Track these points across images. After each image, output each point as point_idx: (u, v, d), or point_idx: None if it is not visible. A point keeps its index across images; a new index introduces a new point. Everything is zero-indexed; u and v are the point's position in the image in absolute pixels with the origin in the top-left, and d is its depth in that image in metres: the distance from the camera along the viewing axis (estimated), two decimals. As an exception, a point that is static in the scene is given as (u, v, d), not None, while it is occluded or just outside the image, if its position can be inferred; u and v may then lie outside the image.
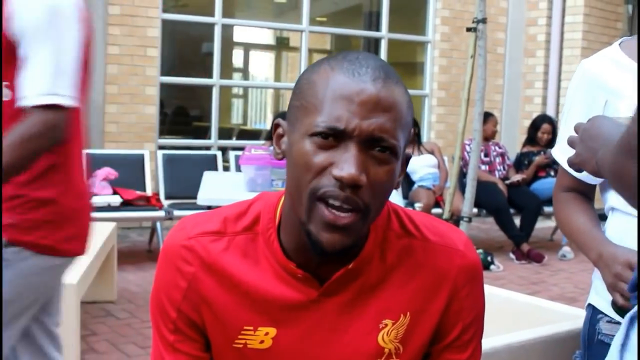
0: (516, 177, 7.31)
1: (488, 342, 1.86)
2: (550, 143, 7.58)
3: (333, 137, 1.09)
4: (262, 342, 1.22)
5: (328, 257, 1.16)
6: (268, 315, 1.21)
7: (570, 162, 1.36)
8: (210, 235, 1.24)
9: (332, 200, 1.08)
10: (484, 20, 4.13)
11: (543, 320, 2.23)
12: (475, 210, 7.02)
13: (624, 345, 1.12)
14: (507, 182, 7.26)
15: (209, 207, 4.70)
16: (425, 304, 1.23)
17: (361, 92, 1.09)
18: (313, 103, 1.11)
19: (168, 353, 1.26)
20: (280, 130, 1.20)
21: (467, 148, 6.83)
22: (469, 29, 3.97)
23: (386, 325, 1.22)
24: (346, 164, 1.07)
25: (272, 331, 1.22)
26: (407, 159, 1.21)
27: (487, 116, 7.13)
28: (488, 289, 2.58)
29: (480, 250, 6.51)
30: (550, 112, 8.76)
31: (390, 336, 1.23)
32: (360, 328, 1.22)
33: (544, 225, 8.09)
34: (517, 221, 7.08)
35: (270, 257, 1.22)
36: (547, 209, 7.26)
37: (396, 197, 6.98)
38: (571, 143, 1.36)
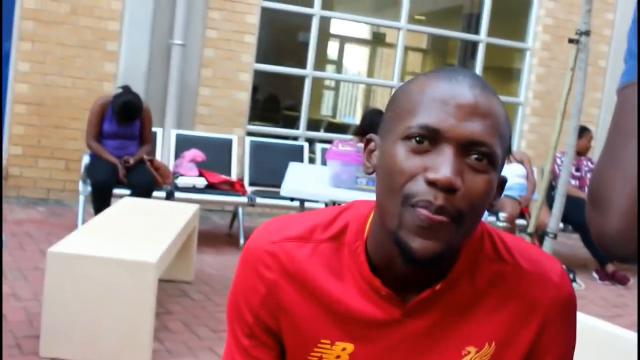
0: None
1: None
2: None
3: (428, 141, 1.04)
4: (338, 357, 1.18)
5: (417, 272, 1.11)
6: (347, 331, 1.17)
7: None
8: (295, 240, 1.20)
9: (423, 210, 1.02)
10: (587, 33, 4.00)
11: (625, 352, 2.13)
12: (561, 225, 6.85)
13: None
14: None
15: (292, 199, 4.71)
16: (512, 334, 1.17)
17: (458, 96, 1.05)
18: (407, 109, 1.08)
19: (242, 357, 1.24)
20: (372, 145, 1.16)
21: (558, 161, 6.66)
22: (570, 41, 3.84)
23: (469, 352, 1.16)
24: (442, 166, 1.02)
25: (350, 347, 1.17)
26: (503, 182, 1.14)
27: (583, 131, 6.92)
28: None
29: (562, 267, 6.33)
30: (649, 131, 8.46)
31: None
32: (442, 353, 1.16)
33: (631, 247, 7.82)
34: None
35: (355, 270, 1.17)
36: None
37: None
38: None
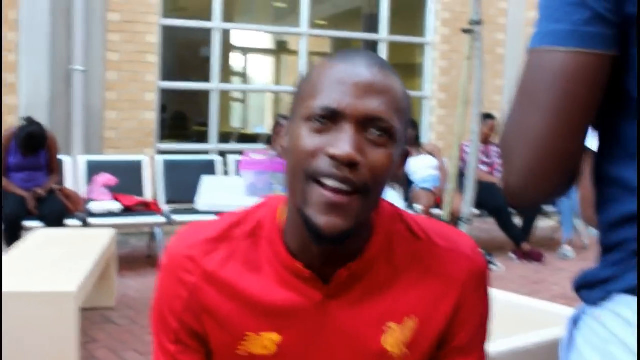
0: None
1: (492, 347, 1.84)
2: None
3: (329, 121, 1.09)
4: (265, 347, 1.21)
5: (333, 252, 1.15)
6: (271, 321, 1.20)
7: None
8: (212, 243, 1.22)
9: (328, 180, 1.07)
10: (479, 22, 4.12)
11: (545, 323, 2.21)
12: (476, 210, 7.02)
13: (569, 345, 1.13)
14: None
15: (208, 213, 4.69)
16: (432, 308, 1.22)
17: (355, 76, 1.10)
18: (309, 91, 1.13)
19: None
20: (282, 130, 1.21)
21: (467, 149, 6.82)
22: (465, 31, 3.96)
23: (390, 328, 1.20)
24: (341, 142, 1.07)
25: (276, 337, 1.20)
26: (406, 154, 1.20)
27: (486, 118, 7.12)
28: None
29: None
30: (551, 112, 8.71)
31: (396, 339, 1.21)
32: (365, 330, 1.20)
33: (544, 225, 8.08)
34: (517, 221, 7.07)
35: (274, 260, 1.20)
36: (547, 208, 7.26)
37: (397, 199, 6.97)
38: None
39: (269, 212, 1.23)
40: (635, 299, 1.00)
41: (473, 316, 1.24)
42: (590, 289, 1.08)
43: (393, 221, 1.23)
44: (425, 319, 1.21)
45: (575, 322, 1.12)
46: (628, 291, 1.01)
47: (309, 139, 1.09)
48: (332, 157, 1.06)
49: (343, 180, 1.06)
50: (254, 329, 1.20)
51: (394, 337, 1.20)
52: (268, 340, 1.20)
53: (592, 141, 1.07)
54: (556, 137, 0.98)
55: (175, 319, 1.23)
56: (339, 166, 1.06)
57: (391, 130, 1.10)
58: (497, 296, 2.54)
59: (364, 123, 1.09)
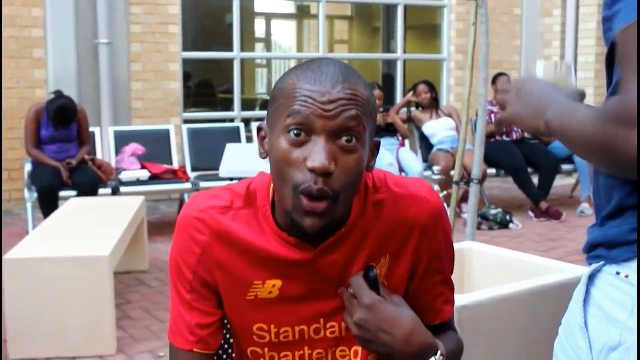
0: None
1: (472, 297, 2.04)
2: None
3: (304, 133, 1.30)
4: (270, 292, 1.44)
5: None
6: (274, 270, 1.43)
7: (501, 120, 1.43)
8: (219, 209, 1.45)
9: (307, 198, 1.29)
10: (483, -12, 4.22)
11: (532, 274, 2.40)
12: (494, 171, 7.18)
13: (585, 300, 1.23)
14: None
15: (231, 179, 4.92)
16: (400, 245, 1.46)
17: (324, 93, 1.30)
18: (284, 104, 1.33)
19: (185, 310, 1.48)
20: (263, 133, 1.42)
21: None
22: (469, -2, 4.09)
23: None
24: (317, 155, 1.28)
25: (278, 283, 1.43)
26: (376, 145, 1.41)
27: (498, 76, 7.24)
28: (482, 247, 2.76)
29: (499, 210, 6.67)
30: (569, 71, 8.79)
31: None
32: (351, 274, 1.43)
33: (563, 183, 8.21)
34: (535, 180, 7.21)
35: (268, 227, 1.43)
36: (565, 167, 7.39)
37: (416, 162, 7.15)
38: (502, 102, 1.41)
39: (261, 187, 1.46)
40: None
41: (436, 245, 1.48)
42: (612, 248, 1.17)
43: (365, 185, 1.45)
44: (396, 255, 1.46)
45: (591, 279, 1.21)
46: None
47: (290, 153, 1.29)
48: (311, 170, 1.28)
49: (318, 192, 1.28)
50: (260, 278, 1.44)
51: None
52: (272, 286, 1.44)
53: None
54: None
55: (190, 271, 1.46)
56: (317, 177, 1.27)
57: (359, 135, 1.31)
58: (487, 251, 2.71)
59: (335, 133, 1.29)
